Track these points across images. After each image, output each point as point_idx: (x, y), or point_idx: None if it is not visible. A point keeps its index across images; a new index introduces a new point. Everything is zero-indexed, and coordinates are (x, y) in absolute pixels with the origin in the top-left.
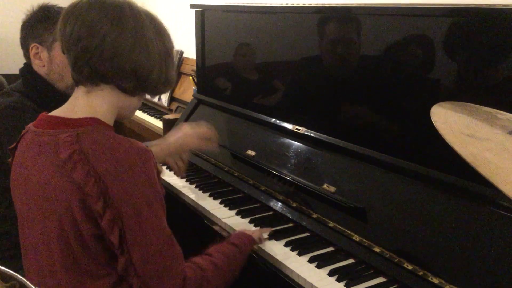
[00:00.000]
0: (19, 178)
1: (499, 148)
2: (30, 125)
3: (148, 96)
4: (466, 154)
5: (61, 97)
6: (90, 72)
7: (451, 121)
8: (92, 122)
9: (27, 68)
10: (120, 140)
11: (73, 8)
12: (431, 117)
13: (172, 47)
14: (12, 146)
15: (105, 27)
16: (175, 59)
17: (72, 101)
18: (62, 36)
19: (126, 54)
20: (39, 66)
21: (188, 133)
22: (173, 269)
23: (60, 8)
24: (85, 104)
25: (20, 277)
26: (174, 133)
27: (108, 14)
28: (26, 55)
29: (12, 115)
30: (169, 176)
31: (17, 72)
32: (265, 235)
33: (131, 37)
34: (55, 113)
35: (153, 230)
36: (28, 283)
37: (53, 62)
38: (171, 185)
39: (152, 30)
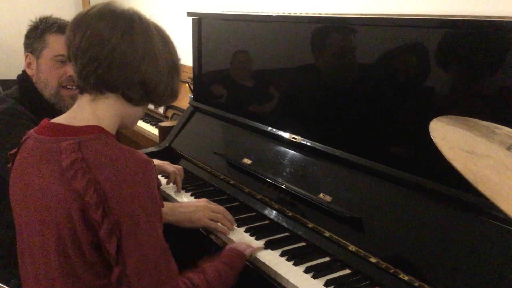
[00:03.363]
0: (19, 184)
1: (498, 165)
2: (32, 131)
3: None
4: (466, 171)
5: (49, 107)
6: (97, 80)
7: (449, 137)
8: (94, 130)
9: (24, 75)
10: (122, 150)
11: (82, 17)
12: (430, 133)
13: (178, 58)
14: (13, 151)
15: (115, 38)
16: None
17: (75, 108)
18: (70, 45)
19: (135, 65)
20: (31, 75)
21: (201, 205)
22: (167, 284)
23: (58, 19)
24: (89, 112)
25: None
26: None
27: (118, 25)
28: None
29: (6, 120)
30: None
31: (12, 78)
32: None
33: (141, 48)
34: (58, 120)
35: (149, 242)
36: None
37: (39, 71)
38: (165, 193)
39: (160, 42)
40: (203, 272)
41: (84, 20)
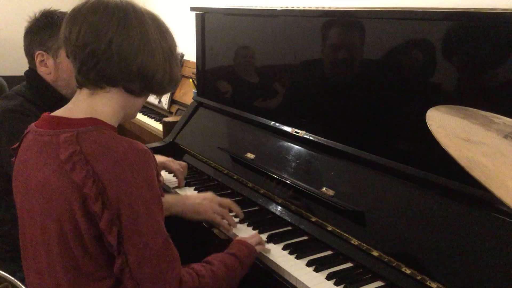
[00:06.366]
0: (20, 178)
1: (494, 152)
2: (32, 125)
3: (148, 99)
4: (461, 158)
5: (66, 103)
6: (97, 76)
7: (446, 125)
8: (92, 122)
9: (32, 73)
10: (120, 140)
11: (76, 12)
12: (426, 121)
13: (175, 45)
14: (15, 145)
15: (111, 31)
16: None
17: (74, 102)
18: (66, 42)
19: (132, 57)
20: (45, 73)
21: (208, 197)
22: (169, 273)
23: (63, 13)
24: (88, 105)
25: (12, 278)
26: (197, 196)
27: (113, 18)
28: (32, 62)
29: (14, 118)
30: None
31: (17, 74)
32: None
33: (137, 39)
34: (57, 113)
35: (150, 232)
36: (20, 284)
37: (59, 69)
38: (169, 188)
39: (155, 31)
40: (208, 262)
41: (78, 16)
